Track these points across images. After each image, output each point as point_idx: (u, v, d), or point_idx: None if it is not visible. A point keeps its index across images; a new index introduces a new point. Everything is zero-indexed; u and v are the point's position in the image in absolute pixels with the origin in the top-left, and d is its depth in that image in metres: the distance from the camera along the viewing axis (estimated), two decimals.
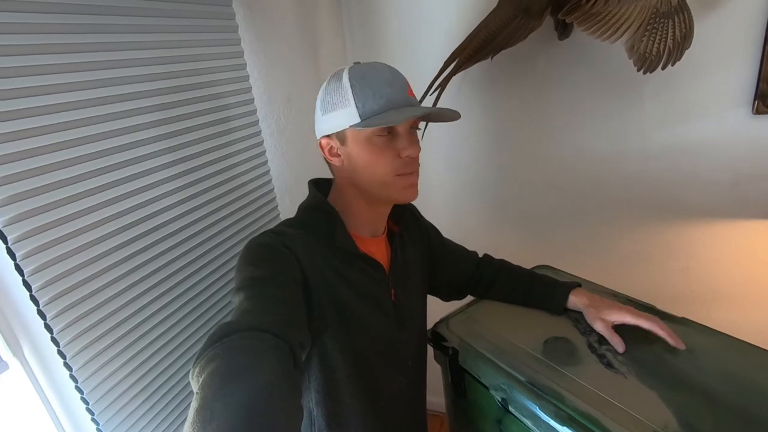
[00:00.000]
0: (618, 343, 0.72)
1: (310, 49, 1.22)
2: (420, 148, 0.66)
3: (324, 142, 0.66)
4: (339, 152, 0.65)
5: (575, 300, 0.81)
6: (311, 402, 0.67)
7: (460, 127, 1.36)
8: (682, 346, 0.69)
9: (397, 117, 0.59)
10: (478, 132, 1.36)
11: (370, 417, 0.70)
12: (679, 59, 0.91)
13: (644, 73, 0.92)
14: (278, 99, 1.08)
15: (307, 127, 1.21)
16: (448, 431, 1.73)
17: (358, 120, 0.60)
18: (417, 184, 0.68)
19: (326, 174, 0.75)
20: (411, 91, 0.65)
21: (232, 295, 0.56)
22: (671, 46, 0.89)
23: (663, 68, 0.91)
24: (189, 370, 0.60)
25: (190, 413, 0.38)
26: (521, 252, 1.38)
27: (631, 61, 0.91)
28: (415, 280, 0.80)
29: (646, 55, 0.90)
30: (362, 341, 0.67)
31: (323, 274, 0.63)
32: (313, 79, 1.24)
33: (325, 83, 0.65)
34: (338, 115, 0.62)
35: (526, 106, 1.27)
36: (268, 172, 1.04)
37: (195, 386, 0.41)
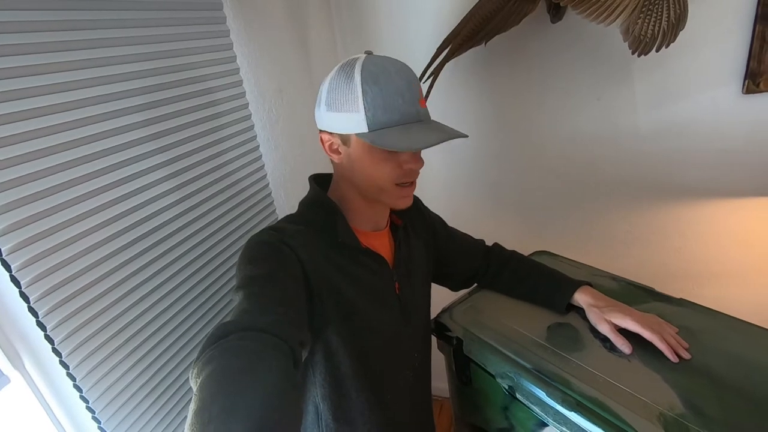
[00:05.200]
0: (623, 345, 0.69)
1: (299, 37, 1.19)
2: (423, 162, 0.64)
3: (325, 137, 0.64)
4: (340, 150, 0.64)
5: (578, 298, 0.79)
6: (317, 397, 0.67)
7: (454, 113, 1.35)
8: (675, 360, 0.66)
9: (407, 142, 0.57)
10: (471, 118, 1.35)
11: (376, 411, 0.70)
12: (674, 41, 0.90)
13: (639, 55, 0.92)
14: (269, 91, 1.06)
15: (300, 118, 1.19)
16: (448, 416, 1.77)
17: (365, 129, 0.59)
18: (413, 194, 0.68)
19: (321, 167, 0.73)
20: (422, 98, 0.63)
21: (232, 294, 0.55)
22: (666, 27, 0.89)
23: (657, 50, 0.90)
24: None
25: (189, 414, 0.38)
26: (518, 238, 1.39)
27: (626, 43, 0.91)
28: (420, 273, 0.79)
29: (641, 37, 0.89)
30: (366, 336, 0.66)
31: (324, 270, 0.62)
32: (304, 68, 1.21)
33: (333, 74, 0.62)
34: (345, 117, 0.60)
35: (519, 91, 1.27)
36: (263, 167, 1.02)
37: (194, 387, 0.41)
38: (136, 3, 0.71)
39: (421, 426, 0.84)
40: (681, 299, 0.81)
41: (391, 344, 0.71)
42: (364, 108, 0.58)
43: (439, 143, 0.58)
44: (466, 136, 0.63)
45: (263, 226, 0.72)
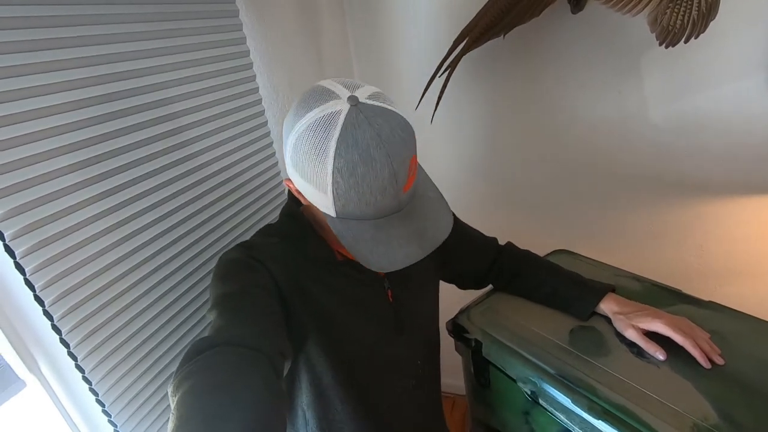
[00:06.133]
0: (656, 351, 0.66)
1: (310, 30, 1.16)
2: None
3: (290, 185, 0.56)
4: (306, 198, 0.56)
5: (602, 306, 0.75)
6: (303, 404, 0.65)
7: (466, 106, 1.32)
8: (708, 365, 0.63)
9: (379, 257, 0.50)
10: (485, 112, 1.32)
11: (366, 421, 0.68)
12: (704, 31, 0.86)
13: (666, 47, 0.88)
14: (282, 86, 1.03)
15: None
16: (461, 413, 1.76)
17: (332, 214, 0.51)
18: None
19: None
20: (412, 178, 0.52)
21: (207, 314, 0.54)
22: (696, 17, 0.85)
23: (686, 41, 0.86)
24: None
25: None
26: (532, 235, 1.36)
27: (653, 34, 0.87)
28: (421, 275, 0.76)
29: (670, 28, 0.85)
30: (350, 347, 0.64)
31: (299, 282, 0.60)
32: (315, 62, 1.18)
33: (302, 129, 0.48)
34: (311, 189, 0.50)
35: (535, 84, 1.23)
36: (276, 164, 1.00)
37: (172, 404, 0.40)
38: None
39: (427, 430, 0.82)
40: (710, 302, 0.78)
41: (380, 353, 0.69)
42: (333, 197, 0.48)
43: (418, 260, 0.52)
44: (446, 235, 0.56)
45: None
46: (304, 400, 0.64)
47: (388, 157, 0.47)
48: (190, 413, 0.37)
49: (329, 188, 0.47)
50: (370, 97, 0.49)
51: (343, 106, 0.47)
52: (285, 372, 0.54)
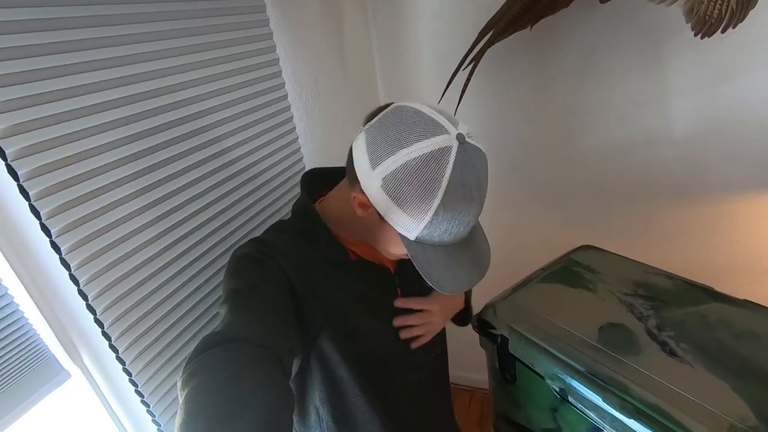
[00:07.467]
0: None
1: (333, 25, 1.16)
2: None
3: (362, 198, 0.54)
4: (370, 213, 0.55)
5: None
6: (316, 400, 0.66)
7: (490, 100, 1.30)
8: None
9: (448, 280, 0.54)
10: (508, 106, 1.30)
11: (380, 414, 0.68)
12: (742, 21, 0.83)
13: (702, 37, 0.85)
14: (306, 81, 1.03)
15: (335, 108, 1.17)
16: (479, 407, 1.77)
17: (411, 238, 0.53)
18: None
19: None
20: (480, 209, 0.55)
21: (218, 308, 0.55)
22: (735, 6, 0.82)
23: (723, 32, 0.84)
24: None
25: (175, 428, 0.38)
26: (558, 232, 1.35)
27: (688, 24, 0.84)
28: None
29: (706, 17, 0.83)
30: (362, 343, 0.65)
31: (311, 279, 0.60)
32: (337, 56, 1.18)
33: (412, 155, 0.47)
34: (400, 214, 0.50)
35: (560, 78, 1.21)
36: (301, 159, 1.01)
37: (180, 399, 0.41)
38: None
39: (438, 424, 0.83)
40: (745, 300, 0.76)
41: (392, 349, 0.69)
42: (425, 225, 0.50)
43: (476, 285, 0.58)
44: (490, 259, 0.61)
45: None
46: (316, 396, 0.65)
47: (482, 199, 0.52)
48: (197, 411, 0.38)
49: (426, 218, 0.49)
50: (468, 135, 0.50)
51: (452, 143, 0.48)
52: (294, 369, 0.55)
